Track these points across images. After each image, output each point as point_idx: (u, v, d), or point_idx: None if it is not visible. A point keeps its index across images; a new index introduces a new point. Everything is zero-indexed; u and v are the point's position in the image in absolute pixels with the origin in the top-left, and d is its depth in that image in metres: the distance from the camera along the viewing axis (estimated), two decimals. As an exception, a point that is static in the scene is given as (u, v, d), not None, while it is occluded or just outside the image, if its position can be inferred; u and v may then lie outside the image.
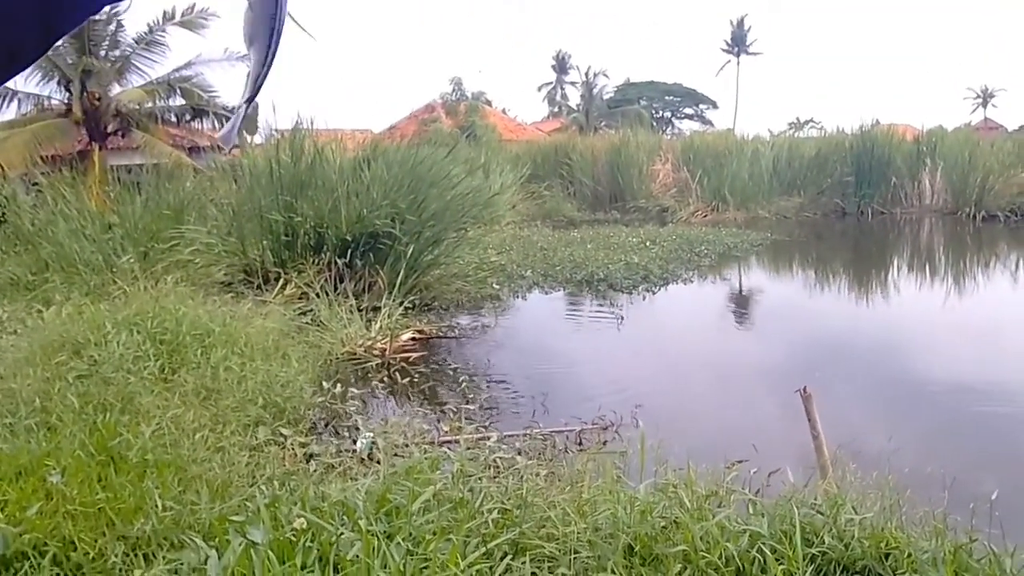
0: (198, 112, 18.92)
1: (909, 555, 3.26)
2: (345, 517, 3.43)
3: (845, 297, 14.67)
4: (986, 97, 70.79)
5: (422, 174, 11.19)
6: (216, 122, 18.68)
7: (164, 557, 3.25)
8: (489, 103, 48.83)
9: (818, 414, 5.09)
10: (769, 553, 3.22)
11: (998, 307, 13.44)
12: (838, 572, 3.23)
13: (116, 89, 18.56)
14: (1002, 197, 25.88)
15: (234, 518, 3.45)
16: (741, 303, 13.81)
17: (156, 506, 3.71)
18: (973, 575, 3.06)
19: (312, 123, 11.66)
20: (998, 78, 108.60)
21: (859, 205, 27.78)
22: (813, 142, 30.87)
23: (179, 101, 18.79)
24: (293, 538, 3.19)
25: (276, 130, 11.84)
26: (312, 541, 3.21)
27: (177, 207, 11.03)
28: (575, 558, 3.24)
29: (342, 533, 3.21)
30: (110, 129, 18.25)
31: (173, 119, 19.13)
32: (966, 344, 10.16)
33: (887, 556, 3.28)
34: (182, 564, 3.14)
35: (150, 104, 18.33)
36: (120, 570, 3.31)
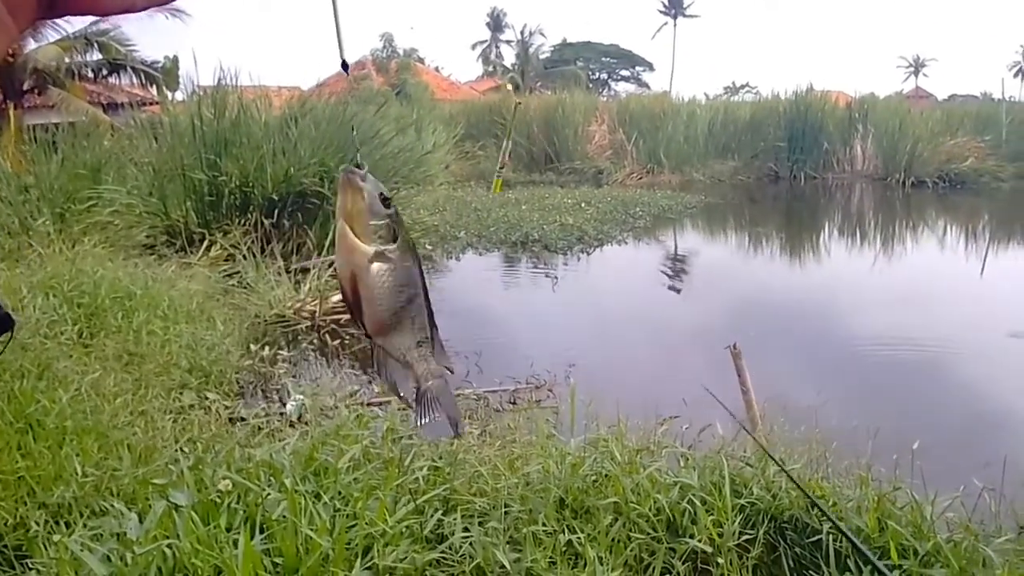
0: (116, 67, 18.25)
1: (834, 504, 3.32)
2: (272, 478, 3.36)
3: (776, 259, 14.97)
4: (918, 66, 72.53)
5: (351, 132, 10.96)
6: (134, 76, 18.05)
7: (85, 524, 3.14)
8: (422, 61, 48.18)
9: (748, 370, 5.15)
10: (699, 504, 3.25)
11: (921, 269, 13.87)
12: (766, 522, 3.27)
13: (31, 45, 17.79)
14: (930, 164, 26.70)
15: (157, 481, 3.36)
16: (675, 264, 13.96)
17: (76, 472, 3.61)
18: (896, 521, 3.13)
19: (237, 78, 11.30)
20: (930, 48, 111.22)
21: (792, 170, 28.26)
22: (748, 106, 31.21)
23: (96, 56, 18.10)
24: (218, 500, 3.11)
25: (198, 85, 11.43)
26: (238, 502, 3.14)
27: (94, 166, 10.60)
28: (507, 512, 3.22)
29: (268, 493, 3.14)
30: (26, 87, 17.52)
31: (90, 75, 18.43)
32: (891, 304, 10.45)
33: (813, 505, 3.33)
34: (103, 530, 3.04)
35: (67, 60, 17.61)
36: (41, 538, 3.19)
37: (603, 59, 66.31)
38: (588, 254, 13.41)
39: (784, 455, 3.75)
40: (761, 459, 3.63)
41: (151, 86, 18.96)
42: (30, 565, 3.02)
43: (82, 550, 2.85)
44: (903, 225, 20.03)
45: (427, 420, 0.96)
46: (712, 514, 3.22)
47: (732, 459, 3.63)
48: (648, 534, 3.19)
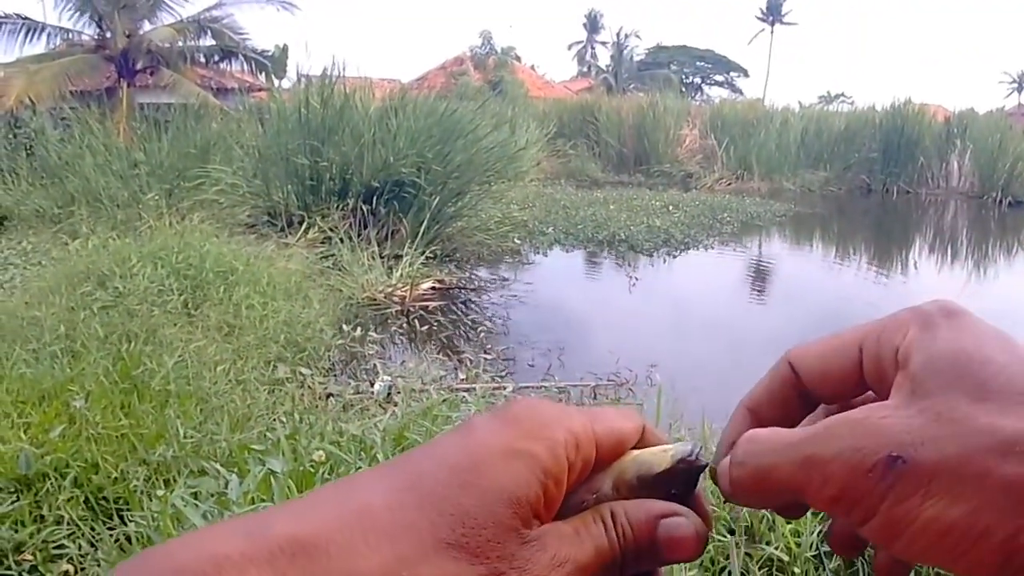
0: (227, 53, 18.92)
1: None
2: (363, 452, 3.50)
3: (863, 274, 14.59)
4: (1022, 83, 69.19)
5: (449, 126, 11.15)
6: (244, 63, 18.69)
7: (185, 482, 3.32)
8: (518, 59, 48.29)
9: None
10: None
11: (1015, 293, 13.35)
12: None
13: (146, 26, 18.56)
14: (1030, 184, 25.51)
15: (254, 447, 3.52)
16: (760, 272, 13.75)
17: (177, 434, 3.79)
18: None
19: (343, 69, 11.60)
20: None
21: (884, 183, 27.47)
22: (843, 117, 30.30)
23: (209, 42, 18.79)
24: (312, 469, 3.25)
25: (304, 75, 11.79)
26: (330, 473, 3.27)
27: (203, 147, 11.06)
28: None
29: (359, 467, 3.27)
30: (139, 66, 18.26)
31: (202, 59, 19.14)
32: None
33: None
34: (202, 489, 3.20)
35: (180, 43, 18.31)
36: (141, 492, 3.38)
37: (697, 63, 65.33)
38: (674, 257, 13.32)
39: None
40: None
41: (260, 73, 19.61)
42: (130, 518, 3.21)
43: (185, 506, 3.02)
44: (997, 246, 19.25)
45: None
46: (791, 524, 3.24)
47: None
48: (725, 538, 3.23)
